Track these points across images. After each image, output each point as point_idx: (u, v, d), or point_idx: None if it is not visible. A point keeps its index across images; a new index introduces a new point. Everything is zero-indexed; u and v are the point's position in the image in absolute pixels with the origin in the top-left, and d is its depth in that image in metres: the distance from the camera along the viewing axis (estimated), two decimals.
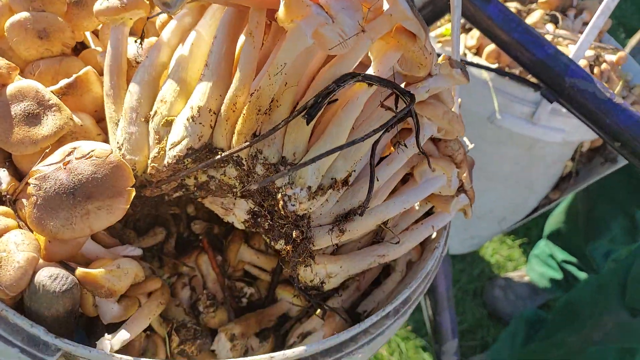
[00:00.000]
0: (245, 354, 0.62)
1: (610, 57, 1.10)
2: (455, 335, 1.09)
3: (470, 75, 1.10)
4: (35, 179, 0.44)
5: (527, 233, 2.15)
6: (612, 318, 1.27)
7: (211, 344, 0.60)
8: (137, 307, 0.51)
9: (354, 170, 0.45)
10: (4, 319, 0.43)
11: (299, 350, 0.45)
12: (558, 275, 1.79)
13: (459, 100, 0.74)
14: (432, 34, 1.20)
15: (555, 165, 1.24)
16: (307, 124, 0.38)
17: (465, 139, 0.78)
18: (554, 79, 0.75)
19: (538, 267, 1.85)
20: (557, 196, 1.32)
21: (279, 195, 0.42)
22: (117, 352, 0.43)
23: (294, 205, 0.41)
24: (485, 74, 1.05)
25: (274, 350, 0.64)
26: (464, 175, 0.56)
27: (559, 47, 1.13)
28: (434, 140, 0.54)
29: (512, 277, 1.90)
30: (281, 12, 0.36)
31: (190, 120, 0.42)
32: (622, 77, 1.10)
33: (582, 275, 1.75)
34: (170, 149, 0.43)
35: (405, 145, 0.46)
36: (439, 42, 1.14)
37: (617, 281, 1.29)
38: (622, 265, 1.30)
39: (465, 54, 1.13)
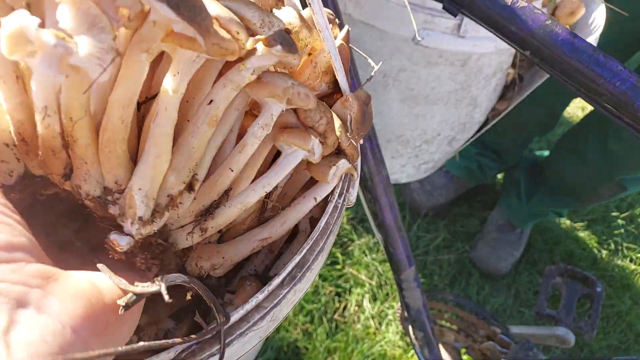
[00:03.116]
0: (166, 337, 0.61)
1: None
2: (412, 262, 1.10)
3: None
4: None
5: None
6: (608, 189, 1.35)
7: None
8: None
9: (196, 174, 0.41)
10: None
11: (179, 340, 0.43)
12: (472, 165, 1.81)
13: (346, 28, 0.66)
14: None
15: (496, 76, 1.17)
16: None
17: (369, 60, 0.71)
18: None
19: (455, 159, 1.88)
20: (504, 106, 1.26)
21: (110, 236, 0.37)
22: None
23: (126, 243, 0.37)
24: None
25: (190, 330, 0.63)
26: (338, 135, 0.51)
27: None
28: (295, 109, 0.48)
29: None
30: (3, 49, 0.28)
31: None
32: None
33: (495, 165, 1.79)
34: None
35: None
36: None
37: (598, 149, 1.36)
38: (599, 129, 1.35)
39: None
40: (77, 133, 0.35)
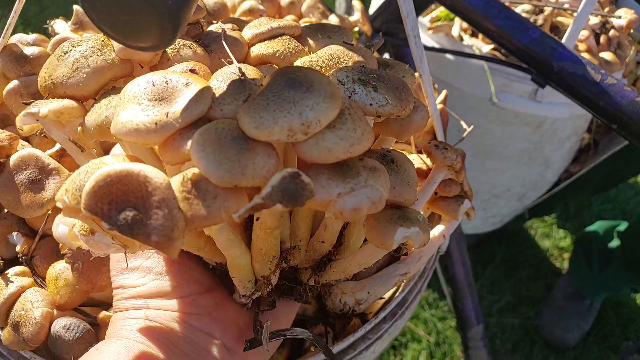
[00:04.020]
0: None
1: (619, 22, 1.03)
2: (480, 320, 1.10)
3: (467, 58, 1.08)
4: (68, 250, 0.51)
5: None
6: None
7: None
8: None
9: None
10: None
11: None
12: None
13: (445, 92, 0.74)
14: (424, 19, 1.18)
15: (570, 140, 1.19)
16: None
17: (462, 122, 0.78)
18: (542, 64, 0.73)
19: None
20: (577, 169, 1.27)
21: None
22: None
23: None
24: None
25: (289, 357, 0.67)
26: (462, 179, 0.56)
27: (562, 19, 1.07)
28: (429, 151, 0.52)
29: None
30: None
31: None
32: (636, 39, 1.03)
33: None
34: None
35: None
36: (430, 28, 1.12)
37: None
38: None
39: (461, 36, 1.10)
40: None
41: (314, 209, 0.37)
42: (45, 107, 0.38)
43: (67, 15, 0.75)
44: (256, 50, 0.44)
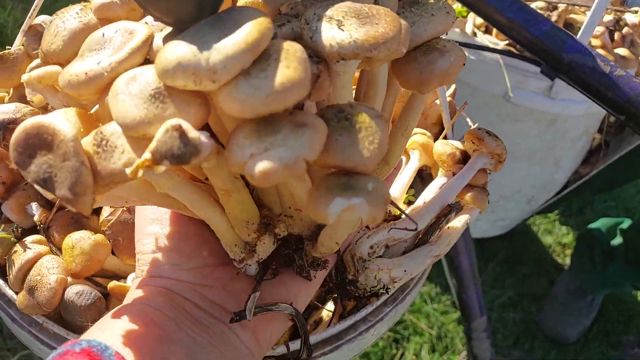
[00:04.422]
0: None
1: (633, 20, 1.03)
2: (484, 312, 1.11)
3: (481, 54, 1.09)
4: (109, 227, 0.54)
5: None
6: None
7: None
8: None
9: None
10: (46, 330, 0.52)
11: (294, 344, 0.50)
12: None
13: (453, 86, 0.75)
14: None
15: (582, 139, 1.19)
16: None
17: (468, 119, 0.78)
18: (552, 56, 0.73)
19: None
20: (587, 170, 1.26)
21: None
22: None
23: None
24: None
25: (291, 338, 0.68)
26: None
27: (575, 17, 1.07)
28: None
29: None
30: None
31: None
32: None
33: None
34: None
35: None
36: None
37: None
38: None
39: (474, 33, 1.11)
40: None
41: (234, 172, 0.32)
42: (27, 74, 0.38)
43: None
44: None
